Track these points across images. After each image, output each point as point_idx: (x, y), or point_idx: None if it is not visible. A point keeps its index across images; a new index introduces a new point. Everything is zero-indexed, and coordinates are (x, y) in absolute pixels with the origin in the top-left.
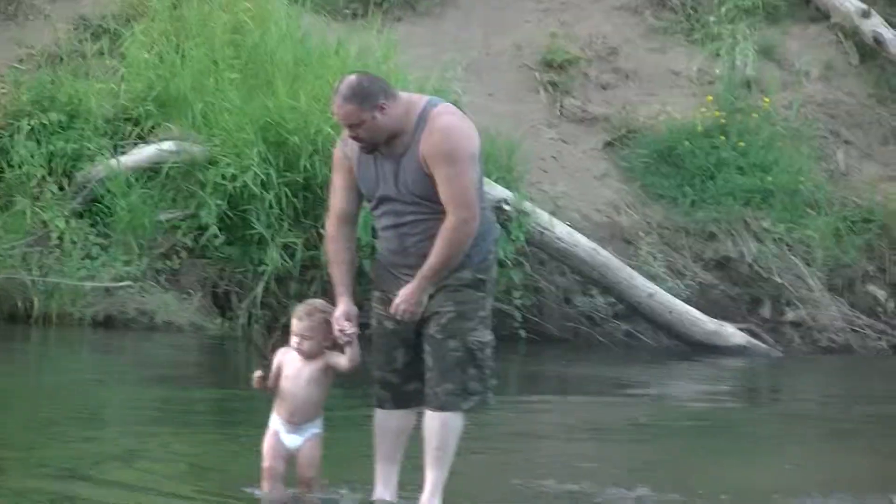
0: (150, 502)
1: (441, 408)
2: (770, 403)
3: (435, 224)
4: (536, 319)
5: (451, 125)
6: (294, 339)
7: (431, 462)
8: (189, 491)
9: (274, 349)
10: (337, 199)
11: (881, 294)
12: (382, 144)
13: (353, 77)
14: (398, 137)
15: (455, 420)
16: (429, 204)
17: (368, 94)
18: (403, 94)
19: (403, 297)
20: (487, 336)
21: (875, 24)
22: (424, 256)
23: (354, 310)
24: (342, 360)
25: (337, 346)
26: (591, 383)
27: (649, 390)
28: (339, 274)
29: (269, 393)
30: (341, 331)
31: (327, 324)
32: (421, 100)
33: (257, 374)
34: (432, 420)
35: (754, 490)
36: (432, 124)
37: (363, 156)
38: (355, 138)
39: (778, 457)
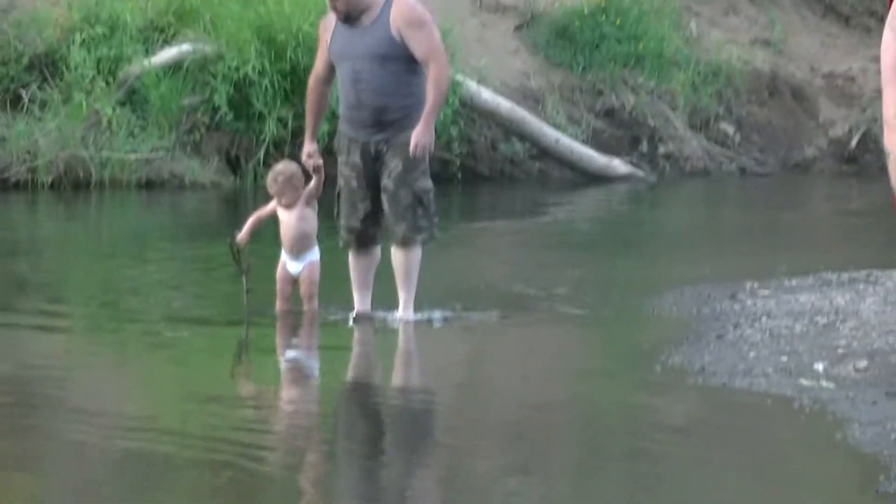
0: (189, 321)
1: (401, 244)
2: (653, 215)
3: (386, 82)
4: (471, 165)
5: (413, 2)
6: (275, 200)
7: (402, 285)
8: (214, 314)
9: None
10: (317, 62)
11: (730, 129)
12: (354, 18)
13: None
14: (369, 10)
15: (414, 251)
16: (385, 63)
17: None
18: None
19: (417, 135)
20: (429, 184)
21: None
22: (375, 109)
23: (316, 147)
24: (312, 185)
25: (307, 181)
26: (516, 207)
27: (560, 212)
28: (310, 120)
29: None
30: (308, 161)
31: (291, 178)
32: None
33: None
34: (397, 253)
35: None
36: (398, 2)
37: (339, 26)
38: (335, 9)
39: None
